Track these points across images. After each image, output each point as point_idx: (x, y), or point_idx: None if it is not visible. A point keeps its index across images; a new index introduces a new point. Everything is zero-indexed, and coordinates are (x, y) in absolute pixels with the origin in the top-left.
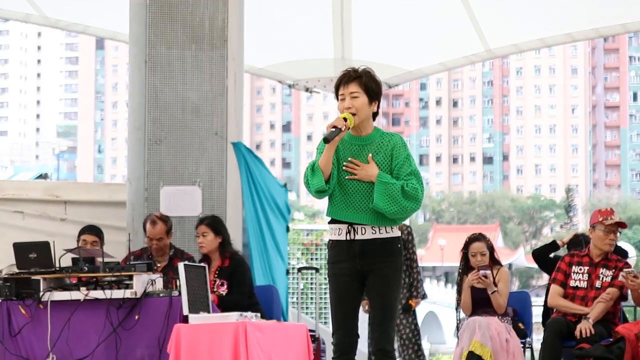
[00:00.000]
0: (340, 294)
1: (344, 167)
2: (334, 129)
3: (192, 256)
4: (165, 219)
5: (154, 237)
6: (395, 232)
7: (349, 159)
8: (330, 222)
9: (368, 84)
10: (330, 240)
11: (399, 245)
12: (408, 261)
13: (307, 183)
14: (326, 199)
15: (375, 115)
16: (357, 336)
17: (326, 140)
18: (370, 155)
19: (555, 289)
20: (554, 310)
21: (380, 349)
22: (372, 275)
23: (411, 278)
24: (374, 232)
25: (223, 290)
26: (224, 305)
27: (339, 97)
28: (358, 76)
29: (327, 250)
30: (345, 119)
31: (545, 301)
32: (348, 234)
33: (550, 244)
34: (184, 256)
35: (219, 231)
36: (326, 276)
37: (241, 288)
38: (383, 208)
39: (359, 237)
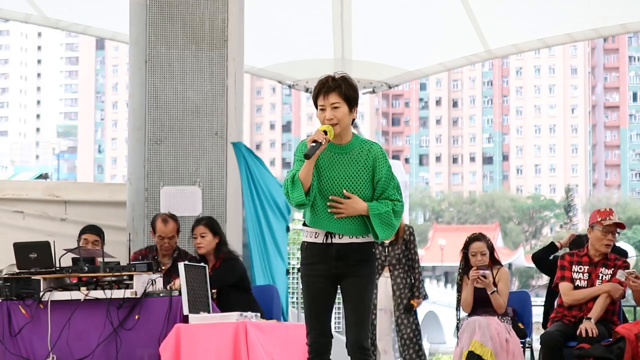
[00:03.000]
0: (315, 295)
1: (328, 208)
2: (314, 144)
3: (197, 257)
4: (175, 218)
5: (165, 235)
6: (371, 238)
7: (330, 197)
8: (305, 225)
9: (347, 92)
10: (305, 242)
11: (374, 250)
12: (410, 262)
13: (286, 195)
14: None
15: (353, 121)
16: (331, 336)
17: (307, 156)
18: (345, 191)
19: (565, 285)
20: (553, 311)
21: (357, 345)
22: (347, 277)
23: (413, 278)
24: (350, 237)
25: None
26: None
27: (319, 108)
28: (337, 85)
29: (300, 252)
30: (325, 132)
31: (546, 301)
32: (325, 238)
33: (549, 246)
34: (188, 258)
35: (216, 232)
36: None
37: (223, 274)
38: (383, 236)
39: (336, 240)
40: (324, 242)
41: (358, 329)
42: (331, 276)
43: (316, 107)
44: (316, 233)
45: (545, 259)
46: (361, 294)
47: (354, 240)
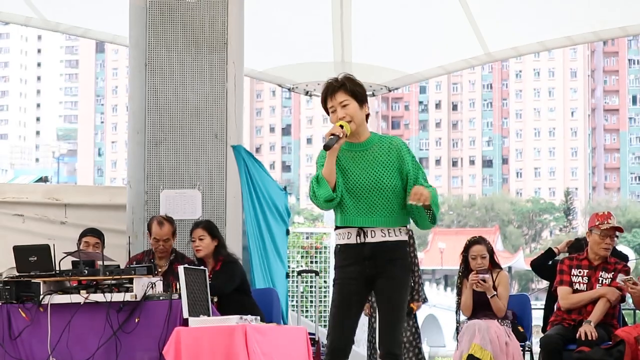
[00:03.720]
0: (346, 297)
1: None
2: (332, 136)
3: (194, 260)
4: (171, 220)
5: (160, 237)
6: (404, 236)
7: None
8: (337, 228)
9: (353, 89)
10: (338, 244)
11: (408, 249)
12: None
13: (313, 196)
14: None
15: (367, 116)
16: (352, 342)
17: (326, 147)
18: (414, 188)
19: (564, 289)
20: (552, 314)
21: (389, 352)
22: (381, 278)
23: (412, 281)
24: (383, 235)
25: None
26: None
27: (330, 110)
28: (342, 84)
29: (334, 255)
30: (341, 126)
31: (546, 305)
32: (358, 237)
33: (547, 253)
34: (185, 261)
35: (215, 234)
36: (325, 279)
37: (225, 277)
38: (435, 220)
39: (369, 240)
40: (357, 242)
41: (389, 336)
42: (365, 277)
43: (327, 113)
44: (348, 233)
45: (544, 264)
46: (393, 295)
47: (387, 238)
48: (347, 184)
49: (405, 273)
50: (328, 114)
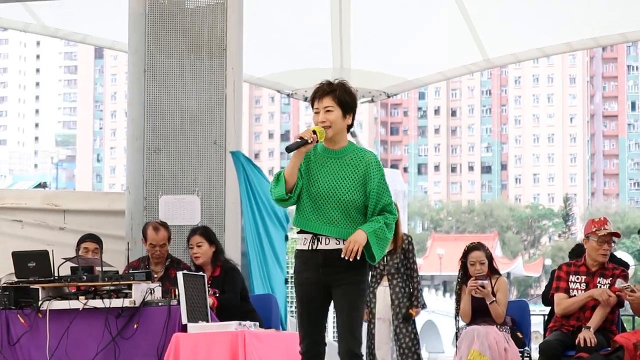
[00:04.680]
0: (306, 302)
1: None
2: (299, 140)
3: (189, 266)
4: (166, 226)
5: (157, 243)
6: None
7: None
8: (298, 232)
9: (342, 97)
10: (296, 249)
11: (362, 255)
12: (409, 271)
13: (270, 190)
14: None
15: (349, 127)
16: (325, 344)
17: (288, 149)
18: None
19: (560, 296)
20: (552, 320)
21: (350, 351)
22: (336, 286)
23: (411, 287)
24: (337, 242)
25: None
26: (218, 306)
27: (314, 111)
28: (332, 90)
29: (294, 259)
30: (314, 132)
31: (549, 312)
32: (312, 244)
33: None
34: (181, 266)
35: (212, 241)
36: None
37: (232, 287)
38: (380, 255)
39: (322, 247)
40: (310, 248)
41: (349, 337)
42: (321, 283)
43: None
44: (304, 239)
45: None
46: (350, 301)
47: (341, 246)
48: (310, 188)
49: (359, 280)
50: (313, 112)
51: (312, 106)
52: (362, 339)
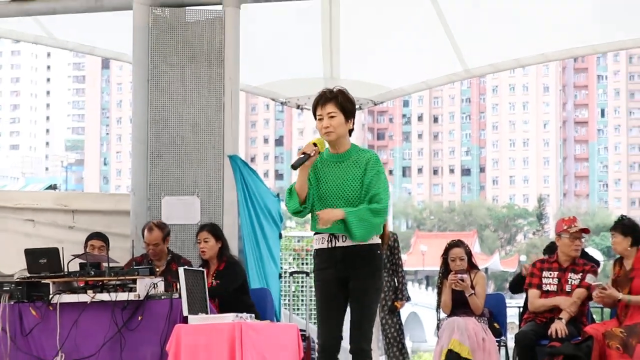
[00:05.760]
0: (326, 299)
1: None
2: (302, 155)
3: (189, 261)
4: (161, 226)
5: (150, 242)
6: (375, 239)
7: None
8: (315, 233)
9: (343, 103)
10: (314, 249)
11: (379, 252)
12: (394, 266)
13: (286, 205)
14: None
15: (350, 131)
16: (341, 337)
17: (293, 167)
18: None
19: (533, 292)
20: (526, 312)
21: (358, 347)
22: (352, 280)
23: (396, 282)
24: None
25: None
26: (212, 294)
27: (317, 117)
28: (334, 96)
29: (313, 259)
30: (315, 144)
31: (523, 305)
32: (330, 242)
33: (518, 276)
34: (181, 261)
35: (219, 237)
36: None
37: (227, 279)
38: (359, 234)
39: (339, 244)
40: (329, 246)
41: (358, 332)
42: (339, 280)
43: (315, 119)
44: (322, 238)
45: (519, 284)
46: (362, 297)
47: (357, 242)
48: (319, 192)
49: (375, 276)
50: (316, 119)
51: (315, 114)
52: (373, 334)
